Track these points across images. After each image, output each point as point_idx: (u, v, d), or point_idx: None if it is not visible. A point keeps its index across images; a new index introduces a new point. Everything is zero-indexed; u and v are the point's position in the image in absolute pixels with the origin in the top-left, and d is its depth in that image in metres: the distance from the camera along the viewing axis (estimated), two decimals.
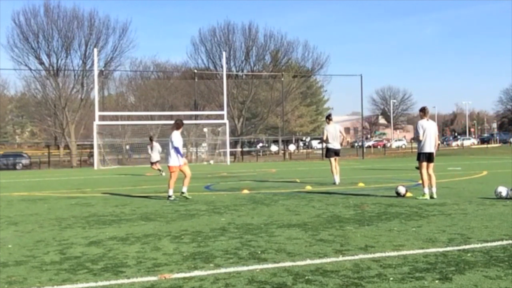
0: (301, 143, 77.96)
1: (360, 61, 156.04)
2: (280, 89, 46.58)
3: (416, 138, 10.44)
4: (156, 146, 21.59)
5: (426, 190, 10.20)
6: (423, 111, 10.46)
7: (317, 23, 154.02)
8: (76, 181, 18.68)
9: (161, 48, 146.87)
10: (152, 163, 21.59)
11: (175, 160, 11.10)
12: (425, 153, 10.24)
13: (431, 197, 10.11)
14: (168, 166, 11.22)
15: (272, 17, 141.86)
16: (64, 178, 20.97)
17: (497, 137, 76.00)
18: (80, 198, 11.88)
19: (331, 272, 4.62)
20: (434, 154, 10.37)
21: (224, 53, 40.74)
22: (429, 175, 10.32)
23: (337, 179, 14.25)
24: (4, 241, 6.54)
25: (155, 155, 21.45)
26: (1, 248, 6.09)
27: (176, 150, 11.06)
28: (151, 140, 22.23)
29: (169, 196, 11.08)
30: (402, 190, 10.62)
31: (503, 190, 9.78)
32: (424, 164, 10.28)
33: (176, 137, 11.15)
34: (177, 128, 11.33)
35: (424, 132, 10.18)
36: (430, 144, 10.24)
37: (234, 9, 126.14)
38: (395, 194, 10.64)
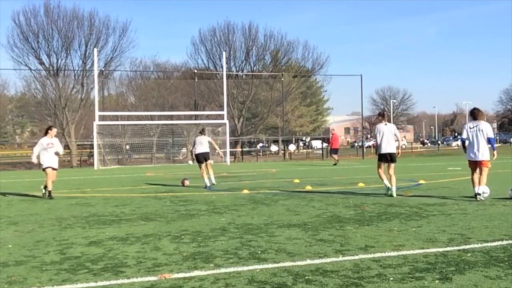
0: (301, 143, 77.96)
1: (360, 61, 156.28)
2: (280, 89, 46.52)
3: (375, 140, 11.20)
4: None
5: (387, 182, 10.89)
6: (382, 115, 11.35)
7: (317, 23, 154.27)
8: (76, 181, 18.68)
9: (161, 48, 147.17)
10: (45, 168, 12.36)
11: (487, 154, 9.89)
12: (384, 154, 10.85)
13: (391, 195, 10.59)
14: (482, 162, 9.87)
15: (272, 17, 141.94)
16: (64, 178, 20.95)
17: (497, 137, 75.98)
18: (80, 198, 11.88)
19: (331, 272, 4.62)
20: (396, 154, 10.94)
21: (224, 53, 40.70)
22: (389, 175, 10.83)
23: (207, 182, 14.38)
24: (4, 241, 6.55)
25: (50, 158, 12.40)
26: (1, 248, 6.09)
27: (491, 141, 9.98)
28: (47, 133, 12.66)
29: (477, 194, 9.82)
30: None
31: None
32: (381, 164, 10.97)
33: (490, 127, 10.02)
34: (482, 117, 10.24)
35: (381, 135, 10.84)
36: (388, 145, 10.84)
37: (234, 9, 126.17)
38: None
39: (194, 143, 15.14)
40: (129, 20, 73.17)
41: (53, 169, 12.38)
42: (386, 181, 10.95)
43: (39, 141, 12.49)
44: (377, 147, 11.08)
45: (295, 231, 6.79)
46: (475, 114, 10.21)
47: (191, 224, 7.57)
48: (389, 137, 10.84)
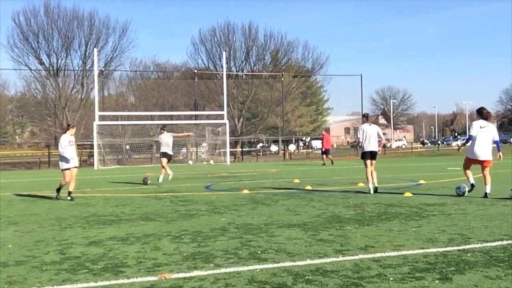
0: (301, 143, 77.96)
1: (360, 61, 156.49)
2: (280, 89, 46.53)
3: (358, 140, 11.83)
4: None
5: (371, 185, 11.40)
6: (365, 117, 12.14)
7: (317, 23, 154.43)
8: (76, 181, 18.64)
9: (161, 48, 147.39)
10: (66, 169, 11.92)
11: (491, 155, 10.27)
12: (366, 152, 11.46)
13: (375, 191, 11.22)
14: (486, 161, 10.24)
15: (272, 17, 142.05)
16: None
17: None
18: (80, 198, 11.88)
19: (331, 272, 4.62)
20: (377, 153, 11.64)
21: (224, 53, 40.68)
22: (371, 171, 11.40)
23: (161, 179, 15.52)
24: (4, 241, 6.55)
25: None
26: (1, 248, 6.09)
27: (497, 143, 10.26)
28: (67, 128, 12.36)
29: (486, 193, 10.11)
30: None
31: None
32: (368, 161, 11.46)
33: (496, 130, 10.52)
34: (492, 119, 10.59)
35: (365, 135, 11.43)
36: (371, 144, 11.42)
37: (234, 9, 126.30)
38: (394, 194, 10.68)
39: (161, 142, 15.67)
40: (129, 20, 72.99)
41: (75, 167, 12.00)
42: (370, 184, 11.47)
43: (61, 141, 11.71)
44: (362, 146, 11.58)
45: (295, 231, 6.79)
46: (485, 115, 10.35)
47: (191, 224, 7.57)
48: (372, 137, 11.42)
